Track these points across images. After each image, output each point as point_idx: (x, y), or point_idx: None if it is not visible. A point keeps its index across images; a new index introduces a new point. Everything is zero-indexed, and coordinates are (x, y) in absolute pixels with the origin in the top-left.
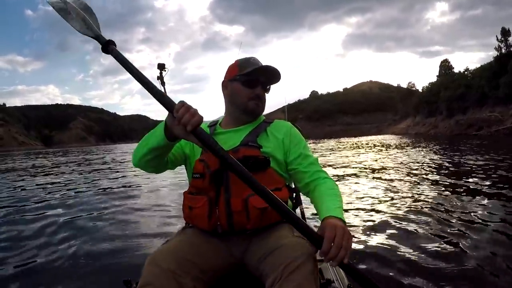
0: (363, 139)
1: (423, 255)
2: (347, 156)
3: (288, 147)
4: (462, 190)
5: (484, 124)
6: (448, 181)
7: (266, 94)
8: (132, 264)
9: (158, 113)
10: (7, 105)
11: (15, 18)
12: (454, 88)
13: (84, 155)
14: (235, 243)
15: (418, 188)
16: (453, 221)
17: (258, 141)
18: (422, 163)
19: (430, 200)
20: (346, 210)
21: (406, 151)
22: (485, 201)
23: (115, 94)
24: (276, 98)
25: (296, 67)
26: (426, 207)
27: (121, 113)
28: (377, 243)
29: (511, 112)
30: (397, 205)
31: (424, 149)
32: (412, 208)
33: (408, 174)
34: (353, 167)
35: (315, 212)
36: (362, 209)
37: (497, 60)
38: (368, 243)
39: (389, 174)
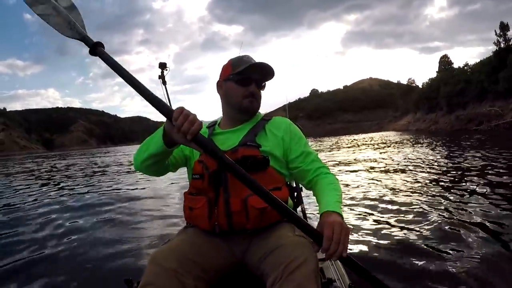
0: (364, 136)
1: (418, 247)
2: (347, 153)
3: (289, 145)
4: (461, 186)
5: (484, 118)
6: (446, 176)
7: (261, 91)
8: (133, 264)
9: (159, 114)
10: (7, 110)
11: (14, 22)
12: (454, 84)
13: (85, 157)
14: (236, 243)
15: (418, 184)
16: (452, 217)
17: (257, 140)
18: (422, 159)
19: (428, 196)
20: (350, 207)
21: (406, 147)
22: (484, 198)
23: (115, 97)
24: (277, 97)
25: (295, 66)
26: (424, 202)
27: (122, 115)
28: (375, 237)
29: (511, 106)
30: (396, 200)
31: (423, 145)
32: (410, 204)
33: (407, 170)
34: (354, 164)
35: (317, 211)
36: (361, 204)
37: (496, 54)
38: (366, 238)
39: (388, 170)
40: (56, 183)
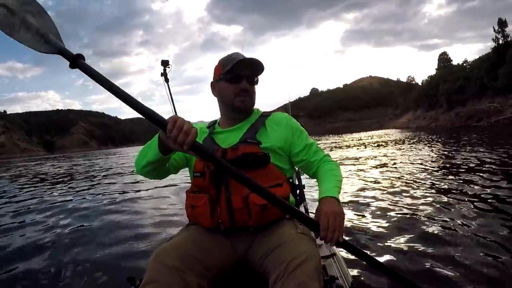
0: (365, 135)
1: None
2: (348, 151)
3: (291, 140)
4: (459, 184)
5: (484, 115)
6: (445, 173)
7: (255, 86)
8: (136, 262)
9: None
10: (8, 112)
11: None
12: (453, 81)
13: (87, 159)
14: (239, 240)
15: (417, 180)
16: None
17: (257, 137)
18: (421, 156)
19: (425, 193)
20: (354, 203)
21: (405, 145)
22: (481, 195)
23: (115, 98)
24: (277, 97)
25: (295, 65)
26: (421, 198)
27: (122, 116)
28: (371, 227)
29: (510, 102)
30: (394, 195)
31: (422, 142)
32: (408, 200)
33: (406, 167)
34: (356, 160)
35: None
36: (360, 201)
37: (495, 51)
38: (361, 226)
39: (387, 168)
40: (57, 184)
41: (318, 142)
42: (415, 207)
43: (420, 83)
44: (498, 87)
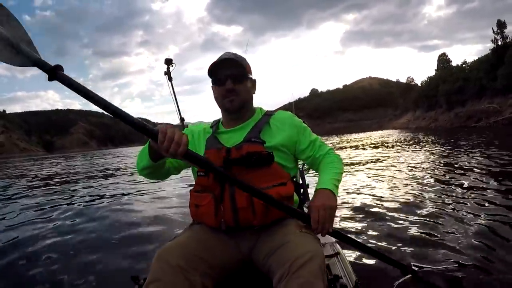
0: (365, 135)
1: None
2: (347, 150)
3: (297, 138)
4: (457, 182)
5: (483, 115)
6: (442, 173)
7: (245, 83)
8: (139, 261)
9: (159, 115)
10: (7, 112)
11: None
12: (453, 81)
13: (87, 159)
14: (243, 239)
15: (416, 179)
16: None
17: (261, 136)
18: (419, 156)
19: (423, 191)
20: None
21: (403, 145)
22: (479, 194)
23: (115, 98)
24: (277, 97)
25: (295, 66)
26: (417, 197)
27: None
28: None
29: (509, 102)
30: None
31: (421, 142)
32: (404, 198)
33: (404, 166)
34: (354, 159)
35: None
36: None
37: (494, 52)
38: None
39: (385, 166)
40: (58, 184)
41: None
42: (407, 206)
43: (419, 84)
44: (497, 88)
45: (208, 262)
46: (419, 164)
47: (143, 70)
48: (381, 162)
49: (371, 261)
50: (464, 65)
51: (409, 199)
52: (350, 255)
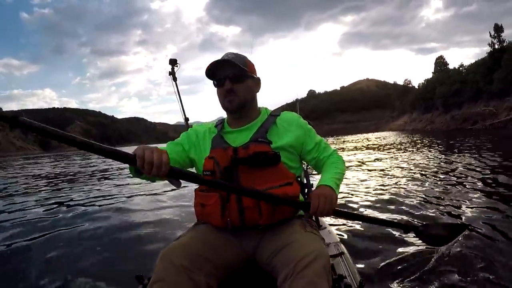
0: (362, 136)
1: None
2: (344, 152)
3: (303, 139)
4: (453, 182)
5: (479, 118)
6: (439, 174)
7: (245, 82)
8: (144, 260)
9: (156, 115)
10: (3, 110)
11: (10, 21)
12: (450, 84)
13: (84, 159)
14: (247, 239)
15: (413, 179)
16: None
17: (268, 137)
18: (415, 158)
19: (419, 191)
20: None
21: (400, 146)
22: (476, 194)
23: (112, 97)
24: (278, 97)
25: (293, 67)
26: (413, 196)
27: (119, 116)
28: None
29: (505, 105)
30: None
31: (419, 144)
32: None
33: (401, 166)
34: (352, 159)
35: None
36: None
37: (491, 55)
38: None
39: (383, 166)
40: (59, 184)
41: None
42: (401, 204)
43: (416, 86)
44: (493, 91)
45: (213, 262)
46: (414, 166)
47: (141, 70)
48: (377, 162)
49: (376, 261)
50: (461, 68)
51: (401, 200)
52: (355, 255)
